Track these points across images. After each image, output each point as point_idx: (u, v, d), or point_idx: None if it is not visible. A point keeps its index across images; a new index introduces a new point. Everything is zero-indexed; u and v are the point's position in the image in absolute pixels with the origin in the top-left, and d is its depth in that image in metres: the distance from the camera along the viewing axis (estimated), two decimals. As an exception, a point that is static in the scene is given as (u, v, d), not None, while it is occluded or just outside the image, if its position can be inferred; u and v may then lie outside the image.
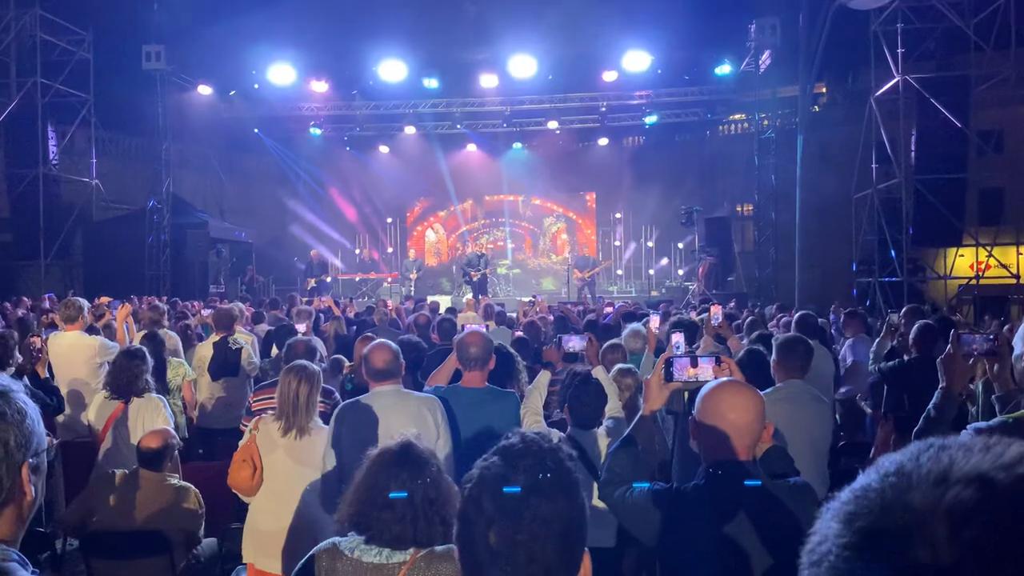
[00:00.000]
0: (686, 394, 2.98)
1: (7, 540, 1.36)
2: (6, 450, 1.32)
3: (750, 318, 8.51)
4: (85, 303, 7.07)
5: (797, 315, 7.28)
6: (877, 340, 7.36)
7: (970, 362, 2.93)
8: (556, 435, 3.97)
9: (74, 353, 6.53)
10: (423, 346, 6.21)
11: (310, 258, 20.21)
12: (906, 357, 5.90)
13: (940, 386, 2.86)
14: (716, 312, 6.02)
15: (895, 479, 0.70)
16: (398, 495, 2.21)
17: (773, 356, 4.40)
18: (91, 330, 7.32)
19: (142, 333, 6.98)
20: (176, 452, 4.38)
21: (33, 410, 1.39)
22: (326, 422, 4.05)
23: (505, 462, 1.44)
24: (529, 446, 1.47)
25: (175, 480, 4.26)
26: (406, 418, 3.71)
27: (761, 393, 2.55)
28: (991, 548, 0.63)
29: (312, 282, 19.28)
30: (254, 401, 4.96)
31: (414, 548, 2.19)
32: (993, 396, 3.03)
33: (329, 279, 20.09)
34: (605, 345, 5.92)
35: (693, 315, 8.72)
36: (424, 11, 18.21)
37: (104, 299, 10.82)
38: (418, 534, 2.20)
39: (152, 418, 4.97)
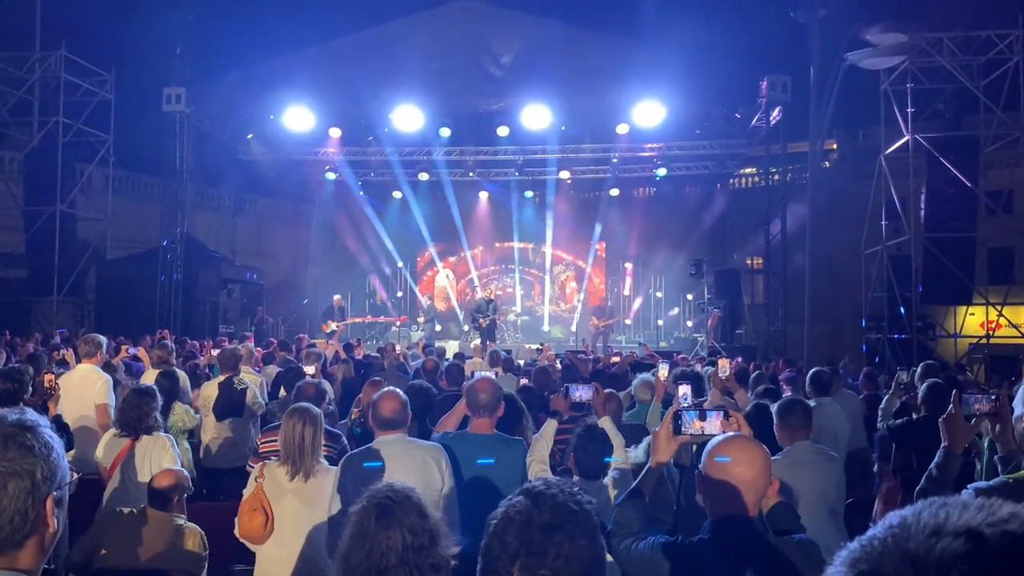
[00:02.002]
0: (694, 447, 3.00)
1: (30, 570, 1.39)
2: (32, 483, 1.37)
3: (756, 372, 8.50)
4: (104, 339, 7.11)
5: (811, 372, 7.26)
6: (886, 397, 7.34)
7: (971, 422, 2.93)
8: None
9: (83, 387, 6.55)
10: (433, 392, 6.22)
11: (331, 302, 20.43)
12: (914, 415, 5.88)
13: (942, 445, 2.88)
14: (724, 365, 6.02)
15: (897, 530, 0.79)
16: None
17: (775, 420, 4.43)
18: (106, 367, 7.34)
19: (157, 372, 7.01)
20: (185, 493, 4.38)
21: (58, 444, 1.43)
22: (331, 465, 4.05)
23: (529, 500, 1.49)
24: (550, 487, 1.52)
25: (181, 521, 4.26)
26: (411, 467, 3.72)
27: (772, 459, 2.57)
28: None
29: (333, 325, 19.45)
30: (262, 443, 4.96)
31: None
32: (995, 456, 3.03)
33: (344, 324, 20.25)
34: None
35: (698, 367, 8.71)
36: (440, 61, 18.53)
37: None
38: None
39: (160, 456, 4.98)
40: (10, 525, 1.35)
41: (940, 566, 0.73)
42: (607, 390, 6.09)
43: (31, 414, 1.45)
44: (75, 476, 1.50)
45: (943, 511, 0.79)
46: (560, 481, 1.58)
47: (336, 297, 20.69)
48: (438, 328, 23.57)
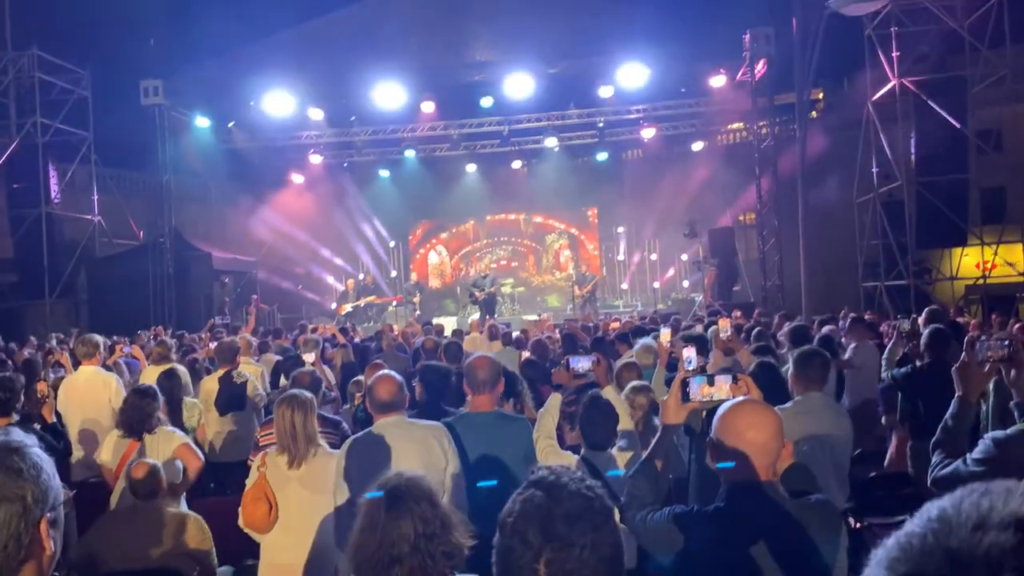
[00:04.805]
0: (703, 413, 2.96)
1: None
2: (24, 506, 1.32)
3: (757, 329, 8.47)
4: (101, 339, 7.05)
5: (790, 327, 7.21)
6: (888, 346, 7.31)
7: (986, 369, 2.87)
8: (573, 460, 3.94)
9: (90, 390, 6.50)
10: (451, 371, 6.12)
11: (346, 287, 20.64)
12: (918, 363, 5.85)
13: (956, 395, 2.82)
14: (724, 325, 5.96)
15: (937, 525, 0.72)
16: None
17: (791, 369, 4.38)
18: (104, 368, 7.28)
19: (159, 368, 6.94)
20: (177, 480, 4.33)
21: (48, 464, 1.38)
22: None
23: (545, 493, 1.45)
24: (560, 476, 1.49)
25: (174, 509, 4.22)
26: (413, 448, 3.69)
27: (781, 407, 2.53)
28: None
29: (348, 306, 19.76)
30: (261, 435, 4.93)
31: None
32: (1012, 403, 2.98)
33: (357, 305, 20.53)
34: (620, 364, 5.92)
35: (699, 328, 8.68)
36: (419, 35, 18.30)
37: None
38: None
39: (168, 446, 4.93)
40: (4, 552, 1.30)
41: (988, 564, 0.66)
42: (626, 360, 6.07)
43: (17, 434, 1.39)
44: (70, 494, 1.44)
45: (985, 499, 0.73)
46: (564, 468, 1.54)
47: (350, 282, 20.98)
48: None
